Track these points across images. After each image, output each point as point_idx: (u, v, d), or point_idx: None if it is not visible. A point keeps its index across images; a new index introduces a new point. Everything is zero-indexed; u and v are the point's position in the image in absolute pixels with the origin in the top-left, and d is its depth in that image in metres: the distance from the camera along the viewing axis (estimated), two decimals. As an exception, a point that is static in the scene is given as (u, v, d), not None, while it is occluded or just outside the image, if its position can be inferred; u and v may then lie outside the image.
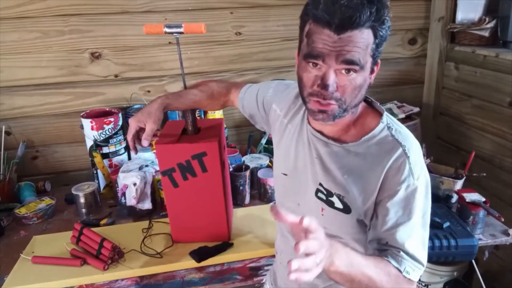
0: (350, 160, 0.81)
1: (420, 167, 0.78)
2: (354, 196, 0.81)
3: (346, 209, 0.83)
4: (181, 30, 1.09)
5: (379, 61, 0.78)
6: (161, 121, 1.01)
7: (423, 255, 0.79)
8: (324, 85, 0.73)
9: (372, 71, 0.78)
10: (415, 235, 0.78)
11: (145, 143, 1.01)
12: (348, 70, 0.73)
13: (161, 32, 1.10)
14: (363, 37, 0.70)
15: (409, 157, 0.77)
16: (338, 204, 0.83)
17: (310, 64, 0.74)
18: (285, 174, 0.94)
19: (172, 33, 1.10)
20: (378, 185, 0.78)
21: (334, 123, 0.81)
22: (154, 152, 1.59)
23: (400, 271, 0.76)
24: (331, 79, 0.72)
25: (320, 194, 0.86)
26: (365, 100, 0.87)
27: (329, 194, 0.84)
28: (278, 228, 1.07)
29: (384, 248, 0.79)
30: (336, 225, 0.85)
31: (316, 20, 0.71)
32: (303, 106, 0.93)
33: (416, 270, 0.78)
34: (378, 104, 0.85)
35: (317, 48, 0.72)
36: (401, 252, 0.77)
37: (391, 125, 0.81)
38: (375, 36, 0.72)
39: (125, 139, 1.65)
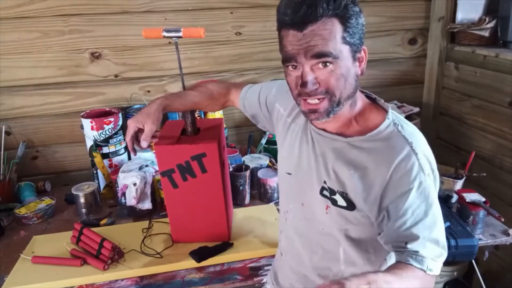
0: (355, 155, 0.80)
1: (428, 161, 0.77)
2: (358, 192, 0.80)
3: (350, 206, 0.82)
4: (180, 34, 1.10)
5: (364, 48, 0.78)
6: (160, 121, 1.01)
7: (441, 245, 0.79)
8: (302, 83, 0.75)
9: (357, 60, 0.77)
10: (434, 228, 0.77)
11: (144, 144, 1.00)
12: (324, 63, 0.73)
13: (160, 37, 1.11)
14: (327, 28, 0.72)
15: (417, 153, 0.76)
16: (341, 202, 0.83)
17: (290, 67, 0.77)
18: (289, 174, 0.94)
19: (171, 37, 1.11)
20: (384, 183, 0.77)
21: (334, 119, 0.81)
22: (153, 153, 1.59)
23: (424, 270, 0.75)
24: (309, 76, 0.74)
25: (325, 192, 0.86)
26: (369, 97, 0.87)
27: (332, 192, 0.84)
28: (281, 228, 1.06)
29: (401, 249, 0.78)
30: (341, 222, 0.85)
31: (282, 25, 0.75)
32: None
33: (438, 261, 0.77)
34: (383, 101, 0.85)
35: (288, 51, 0.75)
36: (419, 252, 0.76)
37: (397, 121, 0.81)
38: (343, 24, 0.73)
39: (125, 140, 1.65)
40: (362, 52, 0.79)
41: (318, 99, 0.76)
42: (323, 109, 0.77)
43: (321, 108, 0.77)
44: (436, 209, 0.78)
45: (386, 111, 0.83)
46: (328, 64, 0.73)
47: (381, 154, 0.78)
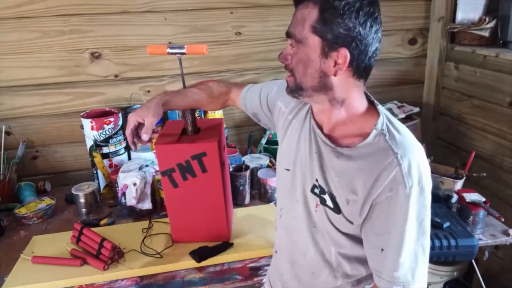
0: (342, 162, 0.81)
1: (417, 173, 0.74)
2: (342, 198, 0.81)
3: (336, 209, 0.82)
4: (184, 51, 1.12)
5: (344, 53, 0.73)
6: (160, 116, 1.01)
7: (412, 266, 0.77)
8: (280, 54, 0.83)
9: (330, 57, 0.75)
10: (403, 248, 0.76)
11: (144, 137, 1.00)
12: (292, 43, 0.80)
13: (164, 53, 1.13)
14: (304, 12, 0.76)
15: (401, 164, 0.73)
16: (329, 203, 0.83)
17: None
18: (288, 170, 0.94)
19: (174, 53, 1.12)
20: (365, 191, 0.76)
21: (325, 116, 0.84)
22: (154, 152, 1.59)
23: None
24: (286, 50, 0.81)
25: (315, 190, 0.86)
26: (368, 99, 0.85)
27: (322, 191, 0.84)
28: (276, 225, 1.06)
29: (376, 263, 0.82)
30: (329, 222, 0.85)
31: None
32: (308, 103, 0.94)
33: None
34: (379, 105, 0.84)
35: None
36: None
37: (386, 130, 0.78)
38: (321, 14, 0.73)
39: (125, 138, 1.65)
40: (339, 55, 0.74)
41: (289, 74, 0.83)
42: (290, 83, 0.83)
43: (289, 82, 0.83)
44: (408, 228, 0.75)
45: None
46: (293, 45, 0.79)
47: (366, 165, 0.77)
